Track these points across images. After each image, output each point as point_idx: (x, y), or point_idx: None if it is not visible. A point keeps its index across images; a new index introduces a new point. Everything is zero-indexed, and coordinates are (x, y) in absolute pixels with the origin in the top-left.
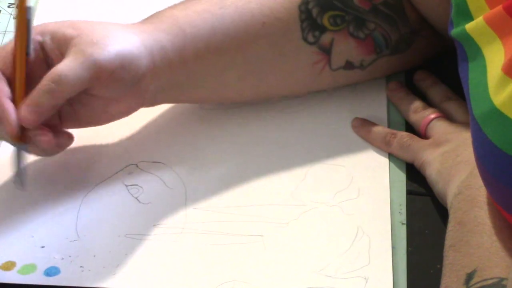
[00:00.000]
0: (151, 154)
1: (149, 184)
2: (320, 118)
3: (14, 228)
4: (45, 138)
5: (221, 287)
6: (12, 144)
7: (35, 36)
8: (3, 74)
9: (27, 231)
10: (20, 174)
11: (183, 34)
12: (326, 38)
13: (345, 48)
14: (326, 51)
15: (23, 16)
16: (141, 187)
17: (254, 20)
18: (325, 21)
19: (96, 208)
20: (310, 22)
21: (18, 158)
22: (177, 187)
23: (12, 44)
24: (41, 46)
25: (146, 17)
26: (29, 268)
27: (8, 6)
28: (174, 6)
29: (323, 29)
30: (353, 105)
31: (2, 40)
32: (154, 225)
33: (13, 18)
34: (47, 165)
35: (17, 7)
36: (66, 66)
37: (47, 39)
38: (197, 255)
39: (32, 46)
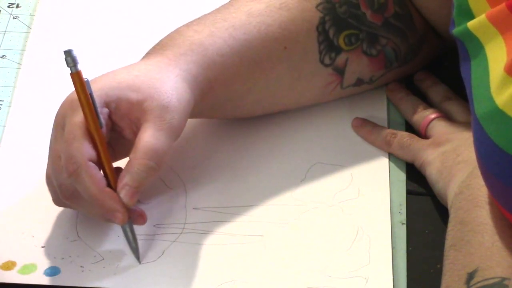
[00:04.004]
0: None
1: (149, 184)
2: (320, 118)
3: (14, 228)
4: (143, 220)
5: (221, 287)
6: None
7: (101, 109)
8: (91, 159)
9: (27, 231)
10: (134, 250)
11: (213, 66)
12: (341, 59)
13: (358, 67)
14: (340, 72)
15: (86, 94)
16: None
17: (277, 45)
18: (341, 41)
19: None
20: (327, 43)
21: (128, 235)
22: (177, 187)
23: (76, 124)
24: (109, 115)
25: (171, 34)
26: (29, 268)
27: (8, 6)
28: (197, 30)
29: (339, 50)
30: (353, 105)
31: (2, 40)
32: (154, 225)
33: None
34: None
35: (74, 85)
36: (158, 140)
37: (113, 108)
38: (197, 255)
39: (102, 121)
